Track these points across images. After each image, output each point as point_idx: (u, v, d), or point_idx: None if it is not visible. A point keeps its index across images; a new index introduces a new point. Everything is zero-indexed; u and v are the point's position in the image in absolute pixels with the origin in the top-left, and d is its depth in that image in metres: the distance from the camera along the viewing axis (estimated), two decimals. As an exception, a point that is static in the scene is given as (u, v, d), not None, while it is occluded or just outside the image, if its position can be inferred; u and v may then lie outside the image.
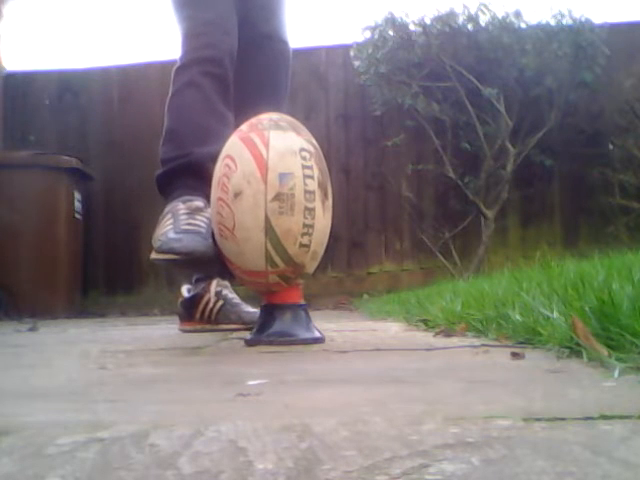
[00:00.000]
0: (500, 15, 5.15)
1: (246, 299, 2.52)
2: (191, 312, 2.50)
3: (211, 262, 1.82)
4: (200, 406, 0.88)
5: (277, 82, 2.50)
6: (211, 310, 2.46)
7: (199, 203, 1.92)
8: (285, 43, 2.51)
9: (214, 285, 2.46)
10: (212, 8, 2.29)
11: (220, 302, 2.46)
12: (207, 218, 1.85)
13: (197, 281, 2.52)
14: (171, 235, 1.81)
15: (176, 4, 2.34)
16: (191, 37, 2.28)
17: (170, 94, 2.27)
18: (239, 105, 2.26)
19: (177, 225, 1.84)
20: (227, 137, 1.78)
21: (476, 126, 5.17)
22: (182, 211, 1.90)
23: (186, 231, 1.81)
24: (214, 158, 1.80)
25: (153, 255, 1.84)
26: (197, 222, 1.85)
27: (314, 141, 1.74)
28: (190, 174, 2.06)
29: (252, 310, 2.40)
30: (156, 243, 1.83)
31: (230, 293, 2.49)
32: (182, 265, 1.90)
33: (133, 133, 5.64)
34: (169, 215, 1.92)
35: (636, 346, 1.03)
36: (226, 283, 2.48)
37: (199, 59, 2.23)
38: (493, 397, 0.86)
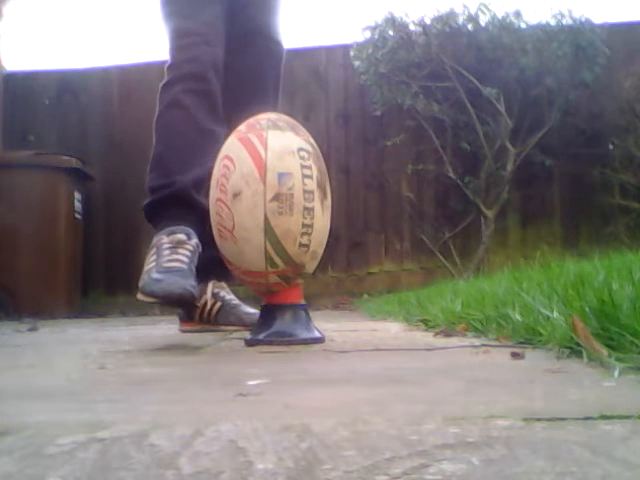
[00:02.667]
0: (500, 15, 5.16)
1: (246, 299, 2.51)
2: (190, 313, 2.50)
3: (192, 301, 1.92)
4: (200, 406, 0.88)
5: (265, 80, 2.47)
6: (209, 312, 2.45)
7: (182, 236, 2.00)
8: (275, 41, 2.48)
9: (210, 287, 2.44)
10: (196, 15, 2.26)
11: (218, 304, 2.44)
12: (189, 251, 1.96)
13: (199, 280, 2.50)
14: (153, 275, 1.89)
15: (163, 11, 2.32)
16: (174, 50, 2.27)
17: (156, 114, 2.26)
18: (227, 103, 2.26)
19: (159, 263, 1.92)
20: (216, 152, 1.81)
21: (476, 126, 5.17)
22: (165, 245, 1.98)
23: (168, 270, 1.89)
24: (199, 183, 1.95)
25: (138, 295, 1.91)
26: (179, 257, 1.94)
27: (312, 141, 1.74)
28: (174, 204, 2.10)
29: (252, 311, 2.39)
30: (140, 282, 1.90)
31: (228, 294, 2.46)
32: (164, 305, 2.01)
33: (133, 133, 5.64)
34: (154, 250, 1.99)
35: (636, 346, 1.03)
36: (223, 285, 2.46)
37: (181, 76, 2.21)
38: (493, 397, 0.86)
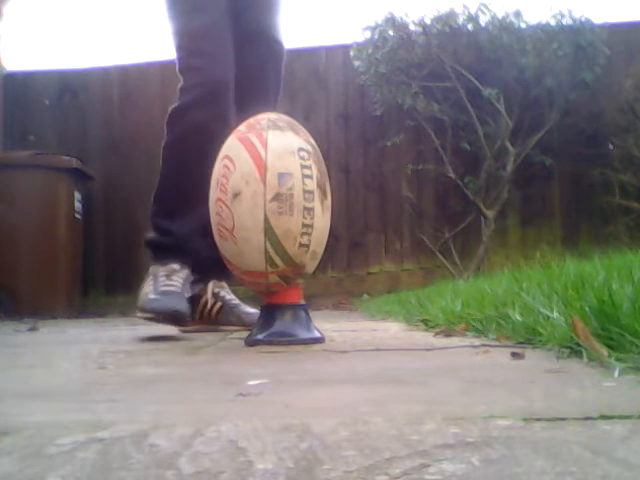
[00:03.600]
0: (500, 15, 5.15)
1: (246, 299, 2.51)
2: (190, 313, 2.49)
3: (184, 319, 2.18)
4: (200, 406, 0.88)
5: (266, 80, 2.46)
6: (210, 312, 2.46)
7: (175, 266, 2.24)
8: (276, 42, 2.47)
9: (211, 287, 2.45)
10: (205, 33, 2.25)
11: (218, 304, 2.45)
12: (182, 278, 2.23)
13: (193, 283, 2.50)
14: (151, 296, 2.16)
15: (171, 24, 2.30)
16: (184, 70, 2.25)
17: (165, 141, 2.28)
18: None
19: (156, 287, 2.18)
20: None
21: (476, 126, 5.17)
22: (161, 274, 2.22)
23: (164, 292, 2.16)
24: (198, 231, 2.18)
25: (138, 314, 2.19)
26: (173, 283, 2.20)
27: (312, 141, 1.74)
28: (172, 250, 2.28)
29: (252, 311, 2.39)
30: (139, 302, 2.17)
31: (228, 294, 2.47)
32: (161, 321, 2.21)
33: (133, 133, 5.64)
34: (151, 277, 2.24)
35: (636, 346, 1.03)
36: (223, 284, 2.47)
37: (194, 102, 2.20)
38: (493, 397, 0.86)
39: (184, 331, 2.51)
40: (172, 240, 2.28)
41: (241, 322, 2.39)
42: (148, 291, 2.17)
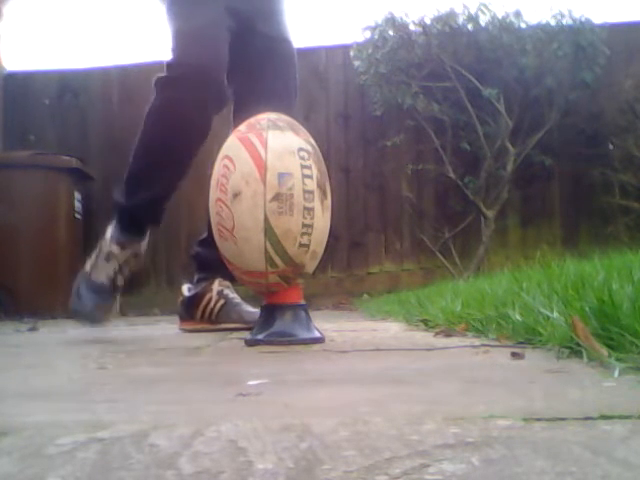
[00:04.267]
0: (500, 15, 5.15)
1: (246, 299, 2.52)
2: (192, 312, 2.50)
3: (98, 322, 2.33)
4: (200, 406, 0.88)
5: (288, 83, 2.50)
6: (212, 309, 2.46)
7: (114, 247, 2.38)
8: (289, 42, 2.50)
9: (216, 284, 2.47)
10: (203, 35, 2.26)
11: (221, 301, 2.46)
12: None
13: (199, 280, 2.52)
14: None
15: (170, 24, 2.30)
16: (178, 50, 2.25)
17: (153, 104, 2.29)
18: (252, 112, 2.23)
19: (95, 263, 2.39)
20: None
21: (476, 126, 5.17)
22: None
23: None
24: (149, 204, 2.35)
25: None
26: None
27: (312, 141, 1.74)
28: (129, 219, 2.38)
29: (253, 310, 2.39)
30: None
31: (231, 293, 2.49)
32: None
33: (133, 133, 5.59)
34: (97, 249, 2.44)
35: (636, 346, 1.03)
36: (228, 283, 2.48)
37: (186, 79, 2.21)
38: (493, 397, 0.86)
39: (185, 331, 2.51)
40: (127, 209, 2.38)
41: (242, 320, 2.40)
42: (85, 273, 2.36)
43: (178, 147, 2.28)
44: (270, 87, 2.43)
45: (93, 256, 2.39)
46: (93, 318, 2.28)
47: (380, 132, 5.63)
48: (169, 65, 2.25)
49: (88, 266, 2.37)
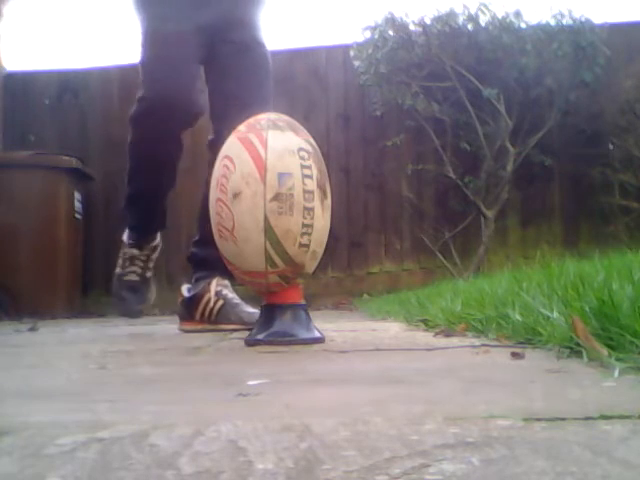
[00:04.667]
0: (500, 15, 5.15)
1: (246, 299, 2.52)
2: (191, 312, 2.51)
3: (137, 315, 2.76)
4: (200, 406, 0.88)
5: (262, 83, 2.49)
6: (211, 310, 2.47)
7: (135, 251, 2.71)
8: (262, 45, 2.50)
9: (214, 285, 2.48)
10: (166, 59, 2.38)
11: (220, 302, 2.47)
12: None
13: (197, 280, 2.55)
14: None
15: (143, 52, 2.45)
16: (144, 82, 2.45)
17: (130, 139, 2.60)
18: (226, 114, 2.33)
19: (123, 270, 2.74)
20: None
21: (476, 126, 5.17)
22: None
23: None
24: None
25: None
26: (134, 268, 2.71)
27: (312, 141, 1.74)
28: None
29: (252, 310, 2.40)
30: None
31: (230, 293, 2.49)
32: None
33: (133, 133, 5.62)
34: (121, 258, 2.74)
35: (636, 346, 1.03)
36: (226, 282, 2.50)
37: (148, 111, 2.42)
38: (493, 397, 0.86)
39: (184, 331, 2.51)
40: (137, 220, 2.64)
41: (241, 321, 2.40)
42: (117, 273, 2.70)
43: (161, 168, 2.55)
44: (243, 87, 2.45)
45: (120, 260, 2.70)
46: (138, 314, 2.72)
47: (380, 132, 5.63)
48: (139, 99, 2.44)
49: (118, 269, 2.70)
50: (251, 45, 2.47)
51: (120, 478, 0.55)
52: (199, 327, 2.47)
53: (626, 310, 1.12)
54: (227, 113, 2.29)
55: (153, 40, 2.40)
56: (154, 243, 2.72)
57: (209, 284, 2.48)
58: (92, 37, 11.55)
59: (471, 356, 1.31)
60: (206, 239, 2.22)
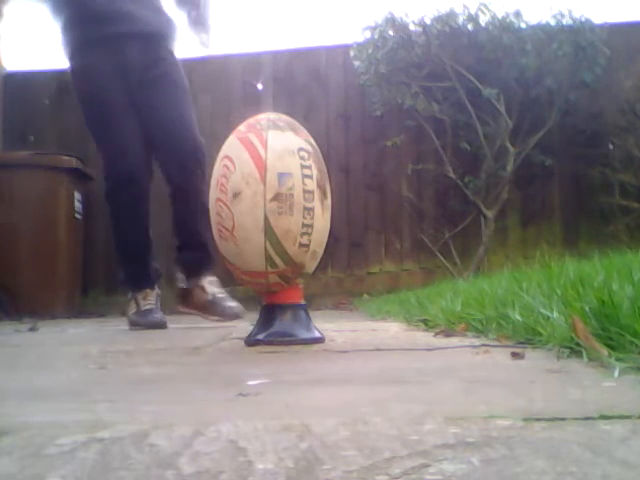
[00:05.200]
0: (500, 15, 5.15)
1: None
2: (187, 300, 2.92)
3: (164, 325, 2.88)
4: (200, 406, 0.88)
5: (177, 84, 2.91)
6: (200, 302, 2.86)
7: (148, 290, 2.99)
8: (171, 54, 2.92)
9: (202, 281, 2.86)
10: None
11: (206, 296, 2.83)
12: (154, 296, 3.01)
13: (187, 278, 2.94)
14: (136, 315, 2.95)
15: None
16: (106, 168, 2.90)
17: (108, 213, 2.92)
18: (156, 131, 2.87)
19: (139, 307, 2.96)
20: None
21: (476, 126, 5.17)
22: (140, 297, 2.97)
23: (145, 311, 2.95)
24: (149, 262, 3.03)
25: (129, 327, 2.95)
26: (149, 301, 2.97)
27: (312, 141, 1.74)
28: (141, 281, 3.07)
29: (234, 304, 2.76)
30: (129, 320, 2.98)
31: (216, 287, 2.85)
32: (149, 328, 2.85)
33: (133, 133, 5.62)
34: (133, 301, 2.99)
35: (636, 346, 1.03)
36: (213, 278, 2.87)
37: (115, 188, 2.86)
38: (493, 397, 0.86)
39: (182, 312, 2.96)
40: (138, 274, 2.99)
41: (223, 314, 2.78)
42: (134, 312, 2.95)
43: (138, 226, 2.93)
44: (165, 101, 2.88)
45: (132, 303, 2.97)
46: (165, 324, 2.88)
47: (380, 132, 5.63)
48: (104, 178, 2.88)
49: (134, 309, 2.96)
50: (163, 64, 2.91)
51: (120, 478, 0.55)
52: (194, 312, 2.92)
53: (626, 310, 1.12)
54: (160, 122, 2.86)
55: (96, 128, 2.89)
56: (154, 285, 3.02)
57: (197, 281, 2.87)
58: (92, 37, 11.52)
59: (471, 356, 1.31)
60: (183, 243, 2.90)
